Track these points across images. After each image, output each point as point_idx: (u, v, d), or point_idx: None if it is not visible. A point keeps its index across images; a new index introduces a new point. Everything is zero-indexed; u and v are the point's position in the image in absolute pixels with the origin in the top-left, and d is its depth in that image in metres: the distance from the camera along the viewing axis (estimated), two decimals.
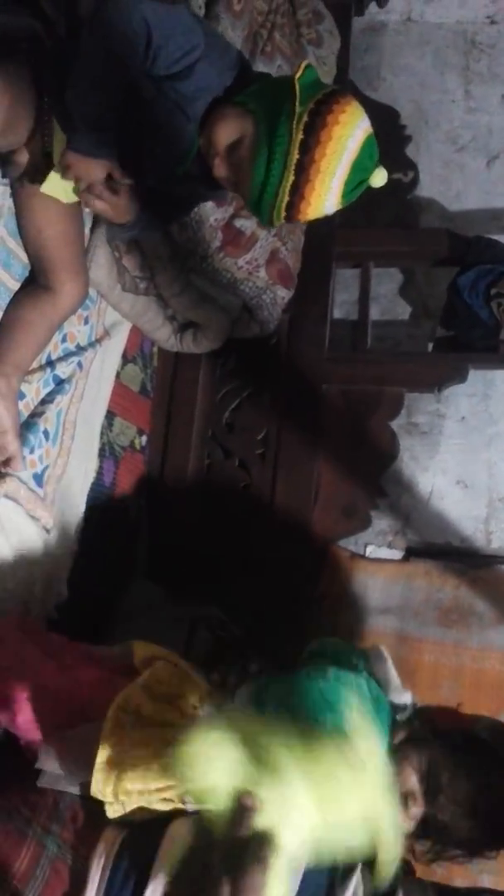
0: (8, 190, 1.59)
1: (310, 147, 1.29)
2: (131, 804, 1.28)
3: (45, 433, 1.77)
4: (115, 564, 2.14)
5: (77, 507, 1.92)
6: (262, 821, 0.79)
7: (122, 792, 1.26)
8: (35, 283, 1.67)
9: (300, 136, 1.29)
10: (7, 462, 1.61)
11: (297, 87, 1.31)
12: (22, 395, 1.70)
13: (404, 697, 1.44)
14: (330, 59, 2.46)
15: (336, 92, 1.34)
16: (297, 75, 1.32)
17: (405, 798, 1.33)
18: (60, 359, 1.82)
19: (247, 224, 2.01)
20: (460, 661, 2.07)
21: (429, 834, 1.34)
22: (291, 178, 1.30)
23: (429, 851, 1.36)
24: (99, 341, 1.96)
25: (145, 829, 1.26)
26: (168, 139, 1.40)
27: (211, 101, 1.37)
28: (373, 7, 2.92)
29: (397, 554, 2.29)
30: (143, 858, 1.21)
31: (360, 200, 1.39)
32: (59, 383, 1.81)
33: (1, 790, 1.37)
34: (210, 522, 2.24)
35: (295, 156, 1.29)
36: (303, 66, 1.34)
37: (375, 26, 2.96)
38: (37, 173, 1.51)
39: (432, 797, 1.32)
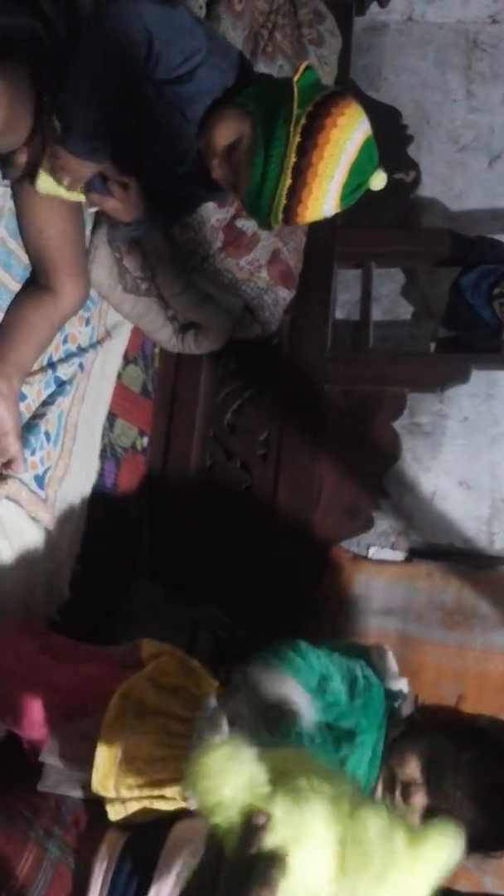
0: (9, 191, 1.59)
1: (307, 150, 1.28)
2: (133, 803, 1.27)
3: (47, 435, 1.77)
4: (117, 566, 2.14)
5: (78, 508, 1.91)
6: (272, 839, 0.74)
7: (124, 786, 1.26)
8: (36, 284, 1.67)
9: (297, 138, 1.28)
10: (8, 464, 1.61)
11: (296, 89, 1.30)
12: (23, 397, 1.70)
13: (400, 684, 1.44)
14: (331, 59, 2.45)
15: (335, 94, 1.34)
16: (296, 77, 1.32)
17: (407, 788, 1.32)
18: (62, 360, 1.82)
19: (248, 224, 2.01)
20: (463, 663, 2.07)
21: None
22: (288, 181, 1.30)
23: None
24: (100, 342, 1.96)
25: (148, 831, 1.26)
26: (167, 140, 1.40)
27: (210, 103, 1.37)
28: (374, 7, 2.92)
29: (400, 555, 2.29)
30: (146, 861, 1.21)
31: (361, 201, 1.39)
32: (61, 385, 1.81)
33: (2, 793, 1.37)
34: (212, 523, 2.23)
35: (292, 158, 1.29)
36: (302, 67, 1.34)
37: (377, 26, 2.95)
38: (37, 174, 1.51)
39: (435, 787, 1.32)
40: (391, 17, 2.95)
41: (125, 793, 1.27)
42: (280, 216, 1.35)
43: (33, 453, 1.72)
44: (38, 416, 1.75)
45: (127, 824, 1.29)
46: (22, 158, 1.50)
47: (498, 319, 2.30)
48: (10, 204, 1.60)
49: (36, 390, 1.76)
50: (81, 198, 1.55)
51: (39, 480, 1.75)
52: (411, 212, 2.69)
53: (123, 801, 1.29)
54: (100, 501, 2.00)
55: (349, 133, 1.30)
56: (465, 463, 2.36)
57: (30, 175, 1.52)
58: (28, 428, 1.71)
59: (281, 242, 2.13)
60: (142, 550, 2.25)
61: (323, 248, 2.36)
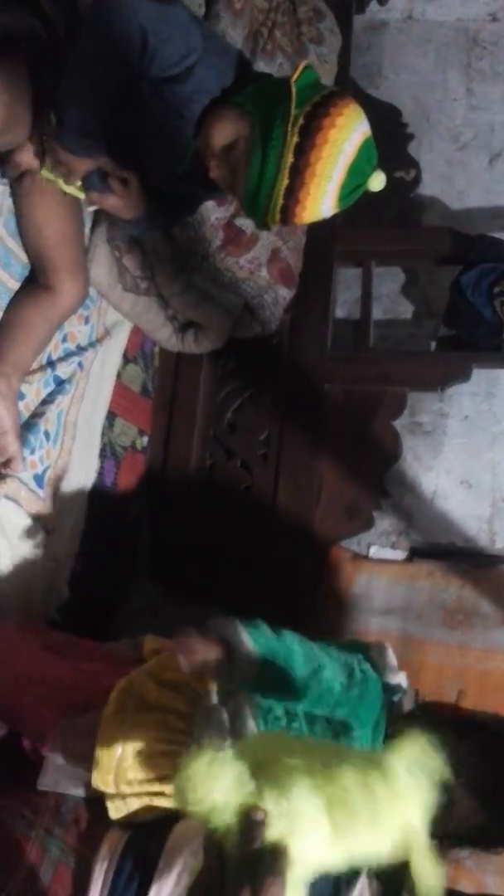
0: (7, 189, 1.59)
1: (305, 150, 1.28)
2: (133, 799, 1.27)
3: (46, 434, 1.77)
4: (116, 565, 2.14)
5: (78, 507, 1.91)
6: (271, 833, 0.79)
7: (124, 781, 1.25)
8: (35, 282, 1.67)
9: (295, 139, 1.28)
10: (7, 463, 1.61)
11: (294, 89, 1.30)
12: (22, 396, 1.70)
13: (398, 678, 1.43)
14: (331, 57, 2.45)
15: (334, 94, 1.33)
16: (294, 77, 1.31)
17: None
18: (61, 359, 1.82)
19: (248, 223, 2.00)
20: (465, 662, 2.06)
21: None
22: (286, 181, 1.29)
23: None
24: (99, 341, 1.95)
25: (149, 831, 1.26)
26: (166, 139, 1.40)
27: (208, 102, 1.36)
28: (374, 5, 2.92)
29: (400, 554, 2.28)
30: (146, 861, 1.21)
31: (361, 200, 1.38)
32: (60, 383, 1.81)
33: (2, 792, 1.37)
34: (212, 523, 2.23)
35: (289, 159, 1.28)
36: (301, 67, 1.33)
37: (377, 24, 2.95)
38: (36, 173, 1.51)
39: None
40: (391, 15, 2.95)
41: (125, 788, 1.27)
42: (277, 217, 1.34)
43: (32, 452, 1.72)
44: (37, 414, 1.75)
45: (128, 823, 1.29)
46: (21, 157, 1.50)
47: (498, 318, 2.29)
48: (8, 203, 1.60)
49: (35, 389, 1.75)
50: (81, 193, 1.55)
51: (39, 479, 1.75)
52: (412, 210, 2.68)
53: (124, 797, 1.29)
54: (99, 501, 2.00)
55: (347, 133, 1.29)
56: (466, 462, 2.36)
57: (29, 174, 1.52)
58: (27, 427, 1.71)
59: (281, 241, 2.12)
60: (141, 550, 2.25)
61: (323, 247, 2.35)
